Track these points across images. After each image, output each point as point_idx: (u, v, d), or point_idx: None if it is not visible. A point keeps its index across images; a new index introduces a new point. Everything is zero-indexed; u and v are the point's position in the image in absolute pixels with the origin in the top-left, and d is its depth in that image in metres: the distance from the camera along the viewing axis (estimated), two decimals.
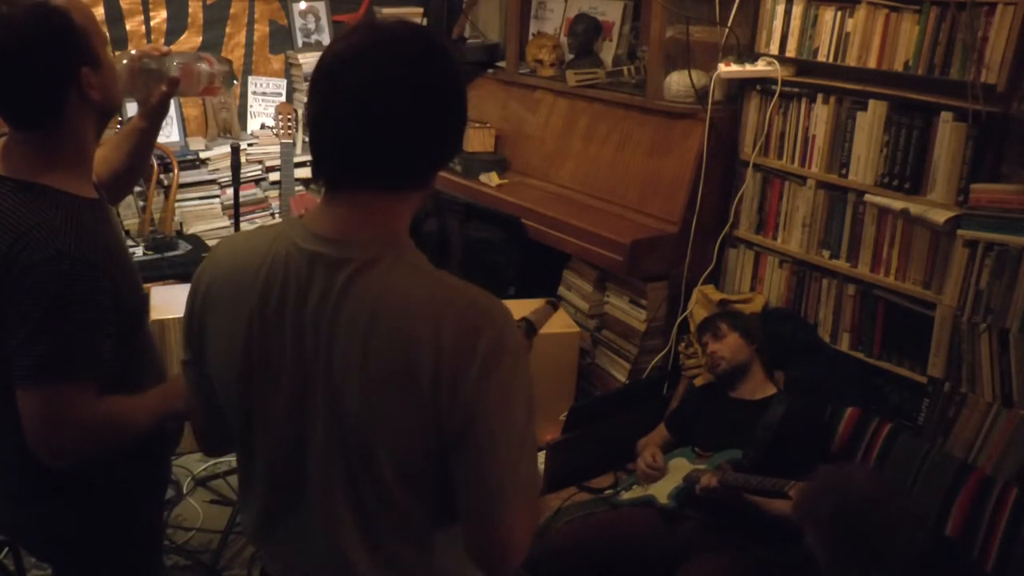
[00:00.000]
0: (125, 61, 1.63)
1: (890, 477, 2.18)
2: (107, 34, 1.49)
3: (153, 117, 1.74)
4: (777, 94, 2.85)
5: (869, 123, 2.61)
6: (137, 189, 3.88)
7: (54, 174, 1.41)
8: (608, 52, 3.75)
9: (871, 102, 2.60)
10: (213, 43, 4.14)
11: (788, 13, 2.79)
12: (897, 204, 2.53)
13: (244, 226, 3.57)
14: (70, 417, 1.37)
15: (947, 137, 2.41)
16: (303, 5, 4.30)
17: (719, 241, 3.10)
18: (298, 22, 4.31)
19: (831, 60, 2.68)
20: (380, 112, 1.07)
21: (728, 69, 2.89)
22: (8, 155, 1.43)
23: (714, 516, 2.33)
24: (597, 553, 2.36)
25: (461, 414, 1.08)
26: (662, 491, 2.44)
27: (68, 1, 1.38)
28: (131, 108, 3.62)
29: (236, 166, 3.30)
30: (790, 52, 2.81)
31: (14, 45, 1.33)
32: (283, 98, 4.25)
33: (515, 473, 1.12)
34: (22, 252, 1.33)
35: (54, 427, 1.36)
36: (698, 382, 2.90)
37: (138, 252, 3.63)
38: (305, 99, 4.49)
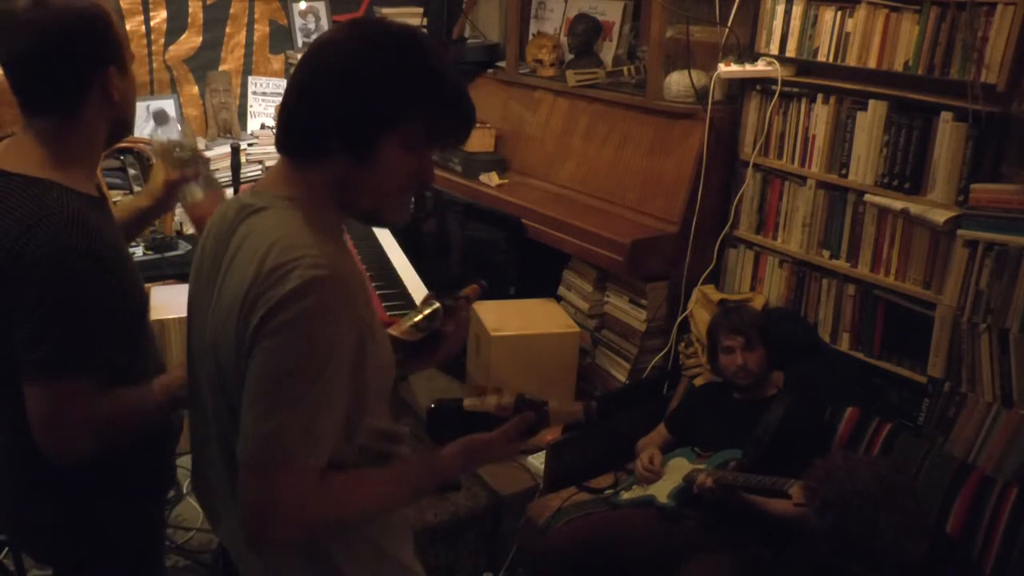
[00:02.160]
0: (166, 139, 1.73)
1: (903, 479, 2.17)
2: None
3: (157, 204, 1.82)
4: (777, 94, 2.85)
5: (869, 123, 2.61)
6: (137, 189, 3.88)
7: (62, 171, 1.43)
8: (608, 52, 3.75)
9: (871, 102, 2.60)
10: (213, 43, 4.15)
11: (788, 13, 2.79)
12: (897, 204, 2.53)
13: None
14: (78, 414, 1.37)
15: (947, 137, 2.41)
16: (303, 5, 4.30)
17: (719, 241, 3.10)
18: (298, 22, 4.31)
19: (831, 60, 2.68)
20: (294, 84, 1.20)
21: (728, 69, 2.89)
22: (17, 151, 1.45)
23: (714, 516, 2.33)
24: (597, 553, 2.36)
25: (245, 346, 1.13)
26: (662, 491, 2.44)
27: (110, 13, 1.46)
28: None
29: (236, 166, 3.29)
30: (790, 52, 2.81)
31: (55, 25, 1.38)
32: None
33: (260, 426, 1.10)
34: (29, 244, 1.34)
35: (62, 424, 1.37)
36: (698, 382, 2.91)
37: (138, 252, 3.63)
38: None
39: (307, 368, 1.10)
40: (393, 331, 1.44)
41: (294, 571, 1.27)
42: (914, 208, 2.48)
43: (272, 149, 4.05)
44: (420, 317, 1.47)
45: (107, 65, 1.43)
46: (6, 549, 2.63)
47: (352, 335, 1.14)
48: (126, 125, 1.54)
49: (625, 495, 2.56)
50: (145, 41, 3.97)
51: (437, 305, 1.50)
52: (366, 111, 1.16)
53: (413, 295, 2.89)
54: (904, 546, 1.88)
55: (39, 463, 1.47)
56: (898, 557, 1.88)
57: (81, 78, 1.42)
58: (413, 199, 1.31)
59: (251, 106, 4.29)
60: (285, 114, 1.21)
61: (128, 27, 3.90)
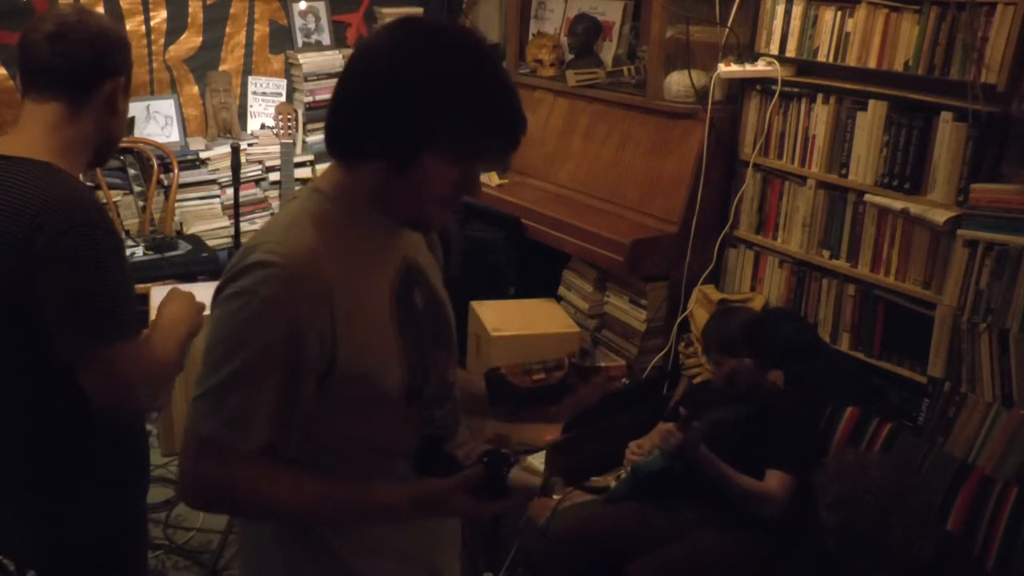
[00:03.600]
0: None
1: (913, 479, 2.17)
2: None
3: None
4: (777, 94, 2.85)
5: (869, 123, 2.61)
6: (137, 189, 3.88)
7: (64, 159, 1.49)
8: (608, 52, 3.75)
9: (871, 102, 2.60)
10: (213, 43, 4.14)
11: (788, 13, 2.79)
12: (897, 204, 2.53)
13: (244, 226, 3.56)
14: (138, 369, 1.44)
15: (947, 137, 2.41)
16: (303, 5, 4.30)
17: (719, 241, 3.10)
18: (298, 22, 4.31)
19: (831, 60, 2.68)
20: (340, 82, 1.19)
21: (728, 69, 2.89)
22: (19, 139, 1.50)
23: (693, 492, 2.35)
24: (596, 552, 2.37)
25: None
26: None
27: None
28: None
29: (236, 166, 3.30)
30: (790, 52, 2.80)
31: (95, 23, 1.54)
32: (283, 98, 4.25)
33: (194, 402, 1.15)
34: (50, 219, 1.38)
35: (128, 383, 1.43)
36: (698, 380, 2.90)
37: (138, 252, 3.63)
38: (305, 99, 4.51)
39: (225, 345, 1.12)
40: (504, 368, 1.37)
41: None
42: (914, 208, 2.48)
43: (272, 149, 4.06)
44: (537, 363, 1.40)
45: (119, 72, 1.55)
46: None
47: (281, 329, 1.11)
48: (112, 146, 1.62)
49: (614, 483, 2.56)
50: (145, 41, 3.96)
51: (563, 359, 1.42)
52: (406, 121, 1.12)
53: None
54: (913, 546, 1.88)
55: (30, 466, 1.48)
56: (906, 557, 1.88)
57: (98, 71, 1.51)
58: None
59: (251, 106, 4.29)
60: (330, 113, 1.19)
61: (128, 27, 3.90)
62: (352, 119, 1.16)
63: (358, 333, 1.17)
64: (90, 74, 1.51)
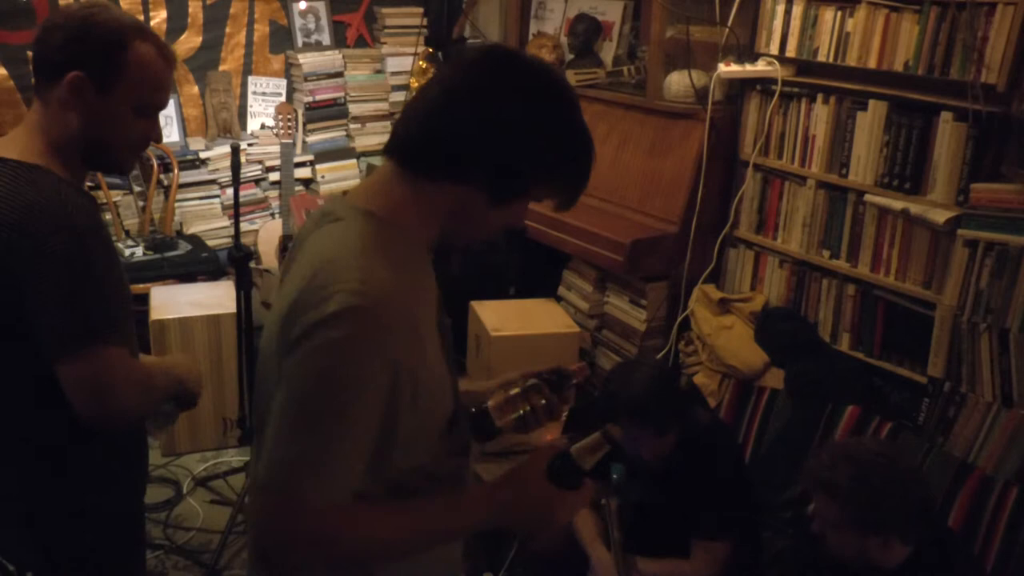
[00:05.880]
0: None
1: (900, 458, 2.12)
2: (160, 102, 1.55)
3: None
4: (777, 94, 2.85)
5: (869, 123, 2.61)
6: (137, 189, 3.88)
7: (53, 160, 1.46)
8: (608, 52, 3.75)
9: (871, 102, 2.60)
10: (213, 43, 4.14)
11: (788, 13, 2.79)
12: (897, 204, 2.53)
13: (244, 226, 3.56)
14: (123, 374, 1.42)
15: (947, 137, 2.41)
16: (303, 5, 4.29)
17: (719, 241, 3.10)
18: (298, 22, 4.31)
19: (831, 60, 2.68)
20: (430, 95, 1.15)
21: (728, 69, 2.89)
22: (11, 140, 1.48)
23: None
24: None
25: (281, 359, 1.11)
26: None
27: (155, 44, 1.49)
28: None
29: (236, 166, 3.29)
30: (790, 52, 2.81)
31: (75, 19, 1.46)
32: (283, 98, 4.25)
33: (276, 450, 1.08)
34: (35, 223, 1.36)
35: (113, 386, 1.40)
36: (697, 379, 2.90)
37: (138, 252, 3.63)
38: (304, 99, 4.50)
39: (326, 400, 1.06)
40: (492, 404, 1.36)
41: None
42: (914, 208, 2.48)
43: (272, 149, 4.05)
44: (519, 387, 1.39)
45: (79, 68, 1.43)
46: None
47: (383, 374, 1.07)
48: (101, 148, 1.50)
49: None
50: None
51: (540, 383, 1.41)
52: (533, 168, 1.17)
53: None
54: (906, 517, 1.83)
55: (14, 463, 1.48)
56: (901, 533, 1.83)
57: (56, 63, 1.44)
58: None
59: (251, 106, 4.28)
60: (423, 124, 1.14)
61: None
62: (466, 145, 1.13)
63: (428, 364, 1.15)
64: (50, 66, 1.45)
